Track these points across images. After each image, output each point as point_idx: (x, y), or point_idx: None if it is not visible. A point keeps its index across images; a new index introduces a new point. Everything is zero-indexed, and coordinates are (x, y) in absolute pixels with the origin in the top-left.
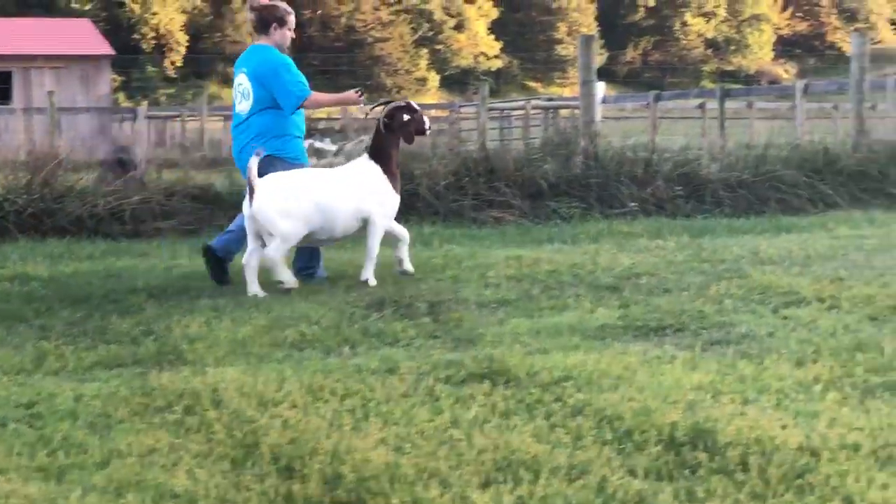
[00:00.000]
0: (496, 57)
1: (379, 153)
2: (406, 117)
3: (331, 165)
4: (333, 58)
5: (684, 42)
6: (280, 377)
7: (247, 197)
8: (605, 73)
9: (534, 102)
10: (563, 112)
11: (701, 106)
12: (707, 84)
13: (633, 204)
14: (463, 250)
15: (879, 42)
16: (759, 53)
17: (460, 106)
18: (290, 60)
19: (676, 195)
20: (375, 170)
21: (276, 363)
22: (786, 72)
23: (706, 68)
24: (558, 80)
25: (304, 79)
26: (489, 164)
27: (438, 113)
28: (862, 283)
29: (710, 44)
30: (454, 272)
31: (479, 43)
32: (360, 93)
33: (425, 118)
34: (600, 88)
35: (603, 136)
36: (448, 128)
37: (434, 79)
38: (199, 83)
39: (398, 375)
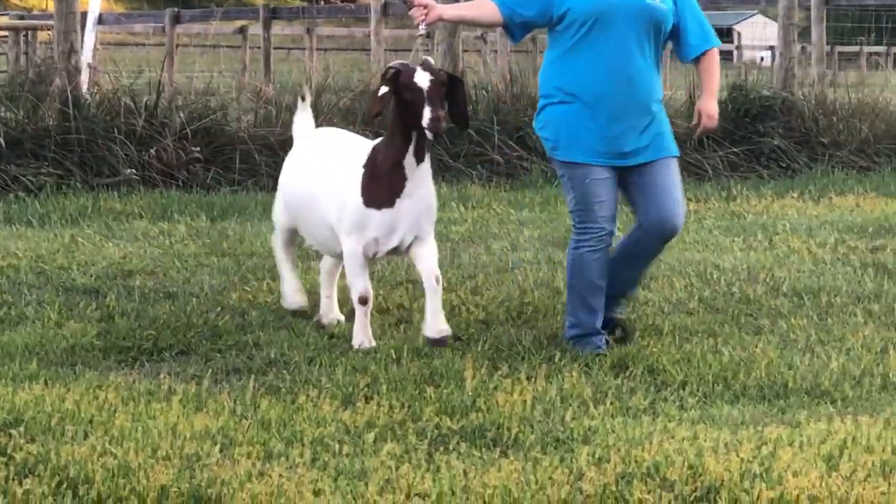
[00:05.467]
0: None
1: (384, 138)
2: (382, 89)
3: None
4: None
5: None
6: None
7: None
8: None
9: None
10: (43, 35)
11: (242, 31)
12: None
13: (129, 171)
14: None
15: None
16: None
17: None
18: None
19: (193, 159)
20: (358, 160)
21: None
22: None
23: None
24: None
25: None
26: None
27: None
28: (443, 287)
29: None
30: None
31: None
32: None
33: (427, 108)
34: (95, 3)
35: (101, 71)
36: None
37: None
38: None
39: None
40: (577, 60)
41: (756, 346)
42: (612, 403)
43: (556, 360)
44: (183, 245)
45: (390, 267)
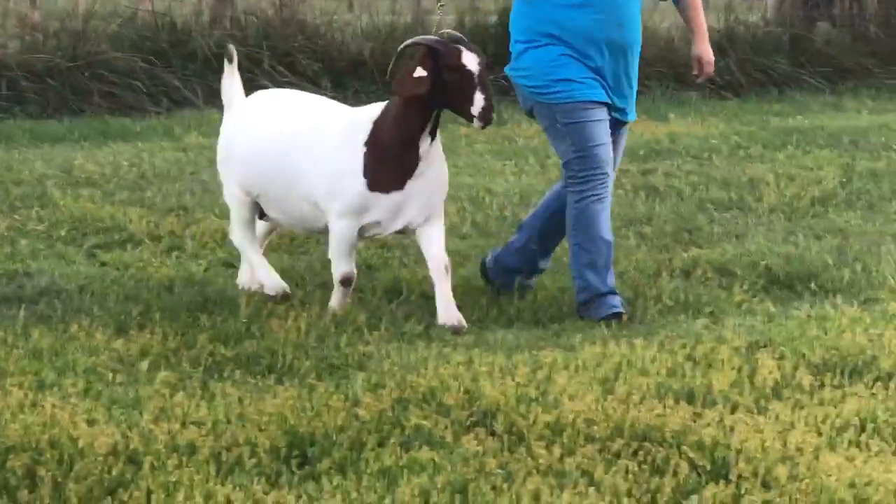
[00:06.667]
0: None
1: (387, 111)
2: (419, 71)
3: None
4: None
5: None
6: None
7: None
8: None
9: None
10: None
11: None
12: None
13: None
14: None
15: None
16: None
17: None
18: None
19: None
20: (361, 133)
21: None
22: None
23: None
24: None
25: None
26: None
27: None
28: (215, 213)
29: None
30: None
31: None
32: None
33: (480, 94)
34: None
35: None
36: None
37: None
38: None
39: None
40: (565, 6)
41: None
42: (386, 329)
43: (330, 286)
44: None
45: (160, 194)
